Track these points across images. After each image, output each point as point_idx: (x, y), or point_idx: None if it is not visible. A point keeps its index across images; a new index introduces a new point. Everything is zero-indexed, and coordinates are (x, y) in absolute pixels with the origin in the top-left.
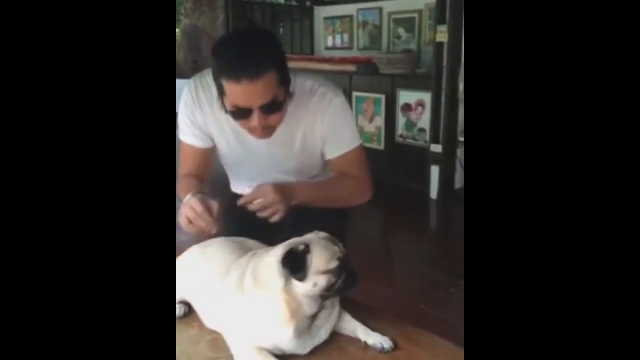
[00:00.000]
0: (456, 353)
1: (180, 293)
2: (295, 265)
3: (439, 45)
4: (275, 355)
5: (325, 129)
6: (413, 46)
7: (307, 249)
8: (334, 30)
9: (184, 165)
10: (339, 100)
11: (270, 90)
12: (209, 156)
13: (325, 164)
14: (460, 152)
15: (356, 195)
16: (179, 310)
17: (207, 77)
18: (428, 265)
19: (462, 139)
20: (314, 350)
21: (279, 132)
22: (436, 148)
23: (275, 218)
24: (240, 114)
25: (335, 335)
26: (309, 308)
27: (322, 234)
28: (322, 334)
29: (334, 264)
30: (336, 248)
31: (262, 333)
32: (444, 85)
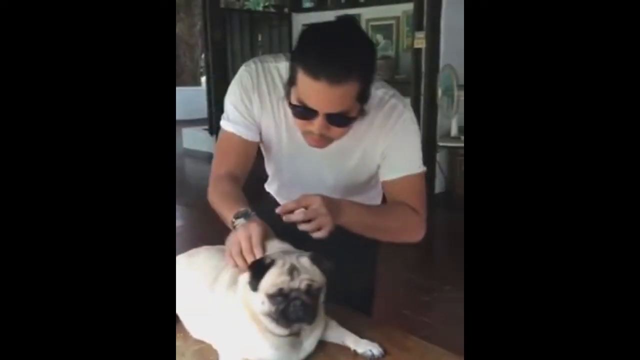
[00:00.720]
0: (445, 357)
1: None
2: (254, 272)
3: (417, 51)
4: None
5: (388, 145)
6: (391, 53)
7: (271, 263)
8: None
9: (226, 159)
10: (409, 115)
11: (345, 101)
12: (254, 152)
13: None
14: (439, 157)
15: (409, 231)
16: None
17: (270, 63)
18: (410, 271)
19: (441, 144)
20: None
21: (338, 144)
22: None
23: (320, 234)
24: (302, 112)
25: (323, 344)
26: (275, 329)
27: (303, 259)
28: (306, 348)
29: (272, 291)
30: (286, 279)
31: (244, 345)
32: (422, 90)
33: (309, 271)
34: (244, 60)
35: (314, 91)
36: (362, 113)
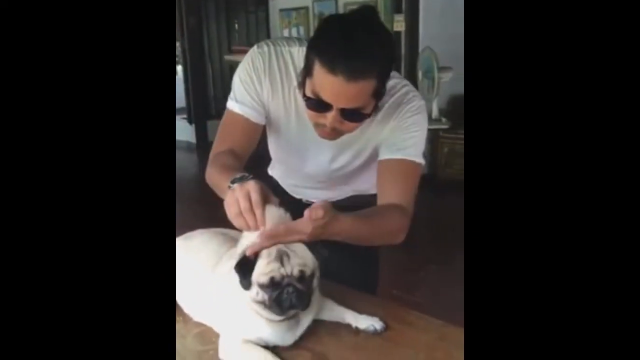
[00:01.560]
0: (446, 329)
1: None
2: (242, 270)
3: (396, 34)
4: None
5: (393, 127)
6: None
7: (257, 256)
8: (289, 22)
9: (228, 137)
10: (419, 103)
11: (361, 98)
12: (258, 135)
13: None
14: None
15: (393, 234)
16: None
17: (283, 47)
18: (395, 251)
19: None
20: (304, 338)
21: (347, 135)
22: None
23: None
24: (316, 105)
25: (324, 322)
26: (269, 315)
27: (295, 245)
28: (303, 324)
29: (264, 280)
30: (276, 265)
31: (244, 326)
32: (402, 73)
33: (300, 256)
34: (220, 47)
35: (330, 85)
36: (376, 109)
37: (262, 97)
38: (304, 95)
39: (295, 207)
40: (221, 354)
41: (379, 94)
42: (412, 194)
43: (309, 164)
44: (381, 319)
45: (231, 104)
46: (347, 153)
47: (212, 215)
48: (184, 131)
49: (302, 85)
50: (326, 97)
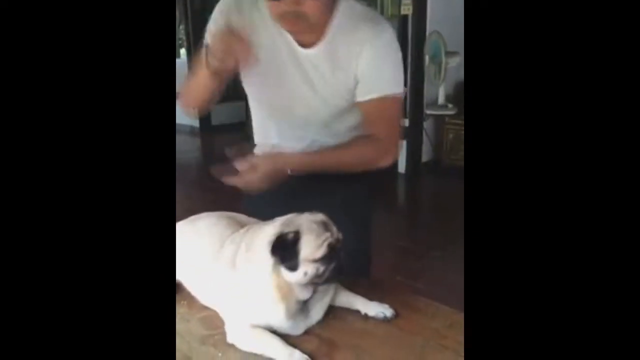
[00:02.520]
0: (456, 316)
1: None
2: (284, 253)
3: (403, 18)
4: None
5: (365, 63)
6: None
7: (297, 236)
8: None
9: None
10: (390, 33)
11: None
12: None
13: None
14: (426, 125)
15: (372, 160)
16: None
17: None
18: (399, 237)
19: (428, 112)
20: (314, 324)
21: (321, 48)
22: (403, 122)
23: (248, 188)
24: None
25: (333, 308)
26: (301, 294)
27: (319, 215)
28: (314, 315)
29: (322, 252)
30: (327, 234)
31: (255, 311)
32: (409, 58)
33: (331, 221)
34: None
35: None
36: None
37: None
38: None
39: None
40: (229, 338)
41: None
42: (393, 127)
43: (294, 106)
44: (390, 306)
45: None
46: (326, 88)
47: (215, 199)
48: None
49: None
50: None
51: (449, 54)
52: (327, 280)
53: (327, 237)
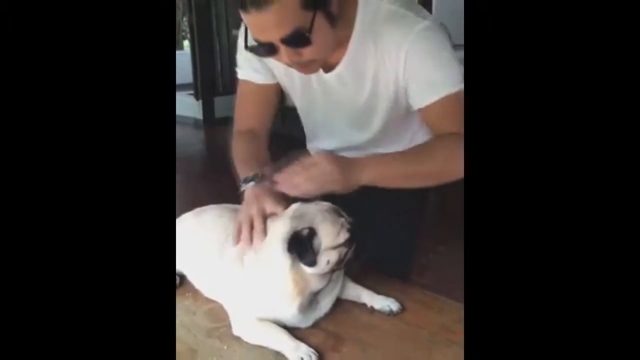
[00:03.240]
0: (462, 311)
1: None
2: (302, 250)
3: None
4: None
5: (409, 67)
6: None
7: (312, 232)
8: None
9: (245, 110)
10: (425, 24)
11: (287, 20)
12: (273, 96)
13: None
14: None
15: (451, 166)
16: None
17: None
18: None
19: None
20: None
21: (343, 69)
22: None
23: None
24: (261, 49)
25: (339, 301)
26: (316, 284)
27: (325, 204)
28: (323, 307)
29: (343, 236)
30: (342, 219)
31: (265, 307)
32: None
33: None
34: (228, 22)
35: (252, 23)
36: (331, 20)
37: (259, 57)
38: (246, 47)
39: None
40: (235, 331)
41: (313, 4)
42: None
43: (328, 123)
44: (397, 300)
45: (238, 73)
46: (358, 100)
47: (218, 191)
48: (191, 107)
49: (246, 41)
50: (261, 37)
51: (455, 47)
52: (350, 262)
53: (342, 222)
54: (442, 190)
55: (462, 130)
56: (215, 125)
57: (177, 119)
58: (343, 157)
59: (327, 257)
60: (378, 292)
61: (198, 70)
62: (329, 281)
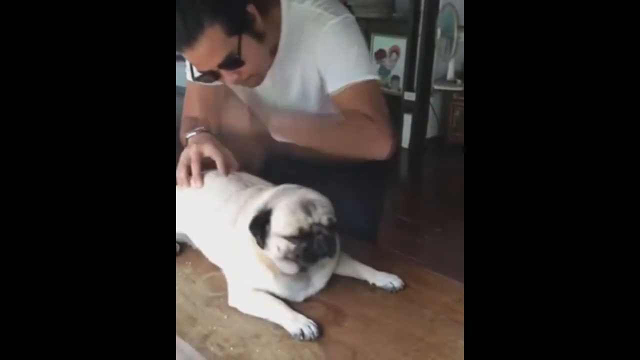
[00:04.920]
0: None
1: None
2: (256, 230)
3: None
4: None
5: (323, 57)
6: None
7: (268, 214)
8: None
9: (187, 107)
10: (336, 20)
11: (217, 50)
12: (218, 97)
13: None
14: (433, 101)
15: (370, 144)
16: None
17: None
18: (401, 213)
19: (436, 87)
20: (320, 291)
21: (273, 73)
22: (410, 96)
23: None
24: (208, 77)
25: (340, 277)
26: (284, 268)
27: (311, 194)
28: (315, 284)
29: (290, 231)
30: (303, 216)
31: (253, 276)
32: (420, 30)
33: (324, 205)
34: None
35: (192, 59)
36: (257, 35)
37: None
38: (194, 78)
39: None
40: (231, 301)
41: (237, 28)
42: (379, 109)
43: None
44: (399, 277)
45: (186, 74)
46: (286, 99)
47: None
48: None
49: (192, 71)
50: (200, 68)
51: (462, 28)
52: (306, 261)
53: (301, 219)
54: (438, 174)
55: (372, 114)
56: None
57: (183, 90)
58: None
59: (277, 244)
60: (378, 269)
61: None
62: (305, 269)
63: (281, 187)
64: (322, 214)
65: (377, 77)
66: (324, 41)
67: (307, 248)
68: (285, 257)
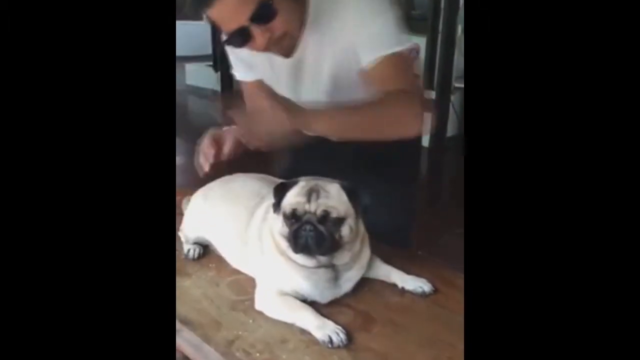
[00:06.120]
0: None
1: (197, 232)
2: (277, 195)
3: None
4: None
5: (355, 28)
6: None
7: (292, 184)
8: None
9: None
10: None
11: None
12: (265, 86)
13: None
14: (454, 99)
15: (403, 122)
16: (193, 251)
17: None
18: (420, 212)
19: (457, 85)
20: (346, 295)
21: (304, 46)
22: (429, 95)
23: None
24: (239, 39)
25: (368, 280)
26: (299, 259)
27: (328, 184)
28: (342, 285)
29: (286, 209)
30: (303, 199)
31: (277, 274)
32: (440, 28)
33: (331, 197)
34: None
35: (220, 15)
36: None
37: (242, 58)
38: (225, 43)
39: None
40: (257, 305)
41: None
42: (410, 81)
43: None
44: (429, 281)
45: (235, 75)
46: (320, 75)
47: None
48: (209, 79)
49: (220, 36)
50: (229, 26)
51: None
52: (295, 247)
53: (300, 202)
54: (459, 173)
55: (410, 88)
56: (233, 97)
57: (195, 90)
58: (294, 105)
59: (281, 220)
60: (408, 273)
61: (217, 42)
62: (321, 263)
63: (314, 177)
64: (321, 205)
65: (409, 46)
66: (358, 9)
67: (295, 233)
68: (285, 238)
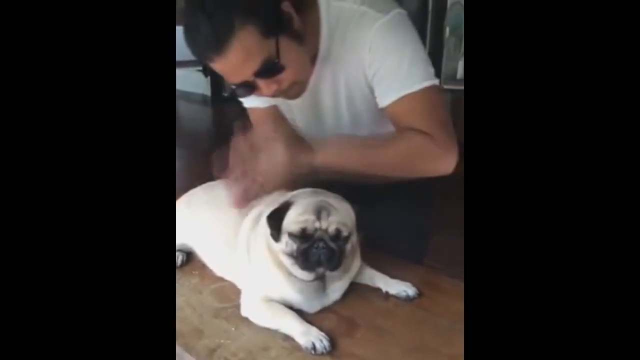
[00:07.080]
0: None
1: (181, 239)
2: (274, 223)
3: None
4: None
5: (371, 62)
6: None
7: (287, 206)
8: None
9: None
10: (386, 19)
11: (252, 55)
12: (276, 114)
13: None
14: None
15: (425, 160)
16: (177, 259)
17: None
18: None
19: (446, 87)
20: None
21: (316, 83)
22: (448, 118)
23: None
24: (243, 90)
25: (354, 285)
26: (298, 274)
27: (337, 201)
28: (330, 295)
29: (294, 228)
30: (312, 218)
31: (268, 285)
32: (428, 30)
33: (341, 214)
34: None
35: (222, 70)
36: (296, 36)
37: None
38: (231, 94)
39: None
40: (243, 311)
41: (274, 30)
42: (438, 120)
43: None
44: (413, 285)
45: (243, 102)
46: (336, 111)
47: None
48: (199, 84)
49: (227, 85)
50: (233, 80)
51: None
52: (304, 266)
53: (308, 220)
54: (451, 175)
55: (428, 129)
56: (223, 102)
57: (185, 95)
58: (297, 138)
59: (285, 240)
60: (392, 277)
61: None
62: (318, 277)
63: (311, 189)
64: (332, 222)
65: (434, 82)
66: (372, 45)
67: (306, 251)
68: (292, 257)
